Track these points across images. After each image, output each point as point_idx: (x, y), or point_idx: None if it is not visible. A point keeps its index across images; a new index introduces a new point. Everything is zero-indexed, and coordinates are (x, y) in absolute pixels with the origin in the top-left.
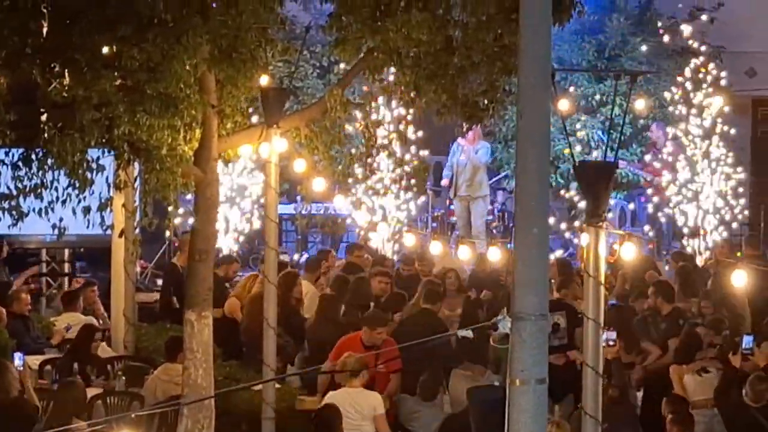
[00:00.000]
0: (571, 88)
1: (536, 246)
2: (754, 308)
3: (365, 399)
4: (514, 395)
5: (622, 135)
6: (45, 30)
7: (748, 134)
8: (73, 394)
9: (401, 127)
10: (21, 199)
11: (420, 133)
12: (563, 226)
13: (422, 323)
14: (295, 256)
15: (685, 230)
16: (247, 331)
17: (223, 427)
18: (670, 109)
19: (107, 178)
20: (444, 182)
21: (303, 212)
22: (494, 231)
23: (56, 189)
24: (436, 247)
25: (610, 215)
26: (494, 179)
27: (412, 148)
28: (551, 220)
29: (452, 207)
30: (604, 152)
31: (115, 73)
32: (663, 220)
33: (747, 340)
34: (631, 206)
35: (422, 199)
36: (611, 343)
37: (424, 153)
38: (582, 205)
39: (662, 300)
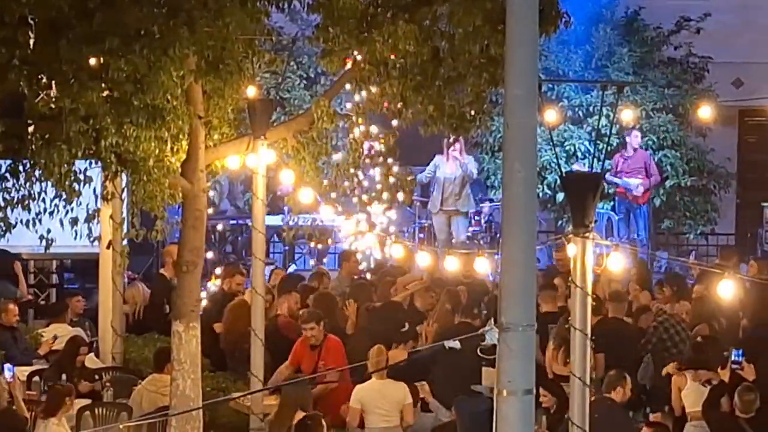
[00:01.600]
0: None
1: (523, 257)
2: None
3: (394, 390)
4: (501, 406)
5: (608, 145)
6: (32, 42)
7: (735, 144)
8: None
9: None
10: (8, 210)
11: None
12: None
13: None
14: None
15: None
16: (226, 341)
17: None
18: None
19: (94, 190)
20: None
21: (290, 223)
22: (481, 242)
23: (43, 200)
24: (423, 258)
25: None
26: (484, 197)
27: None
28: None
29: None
30: (591, 162)
31: (102, 85)
32: None
33: (736, 354)
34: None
35: (409, 210)
36: None
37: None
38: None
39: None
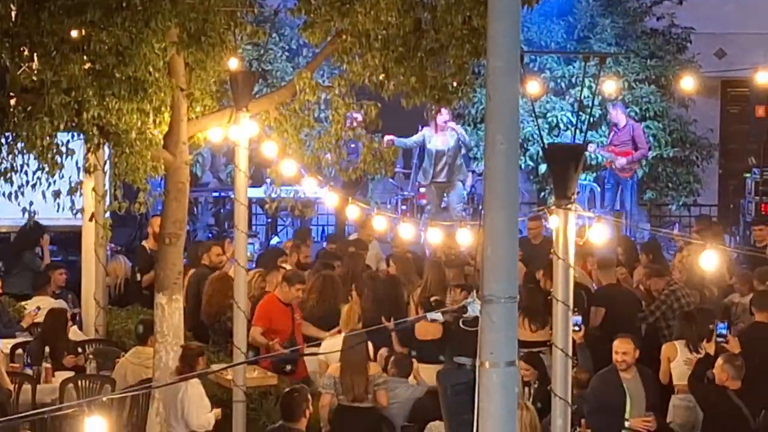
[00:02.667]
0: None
1: (505, 228)
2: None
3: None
4: (483, 378)
5: (591, 117)
6: (14, 14)
7: (718, 115)
8: None
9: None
10: None
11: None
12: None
13: None
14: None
15: None
16: (207, 314)
17: None
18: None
19: (77, 162)
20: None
21: (273, 196)
22: (464, 213)
23: (26, 173)
24: (406, 230)
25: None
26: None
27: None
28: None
29: (422, 190)
30: (573, 134)
31: (84, 57)
32: None
33: (721, 327)
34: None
35: (391, 181)
36: (576, 328)
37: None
38: None
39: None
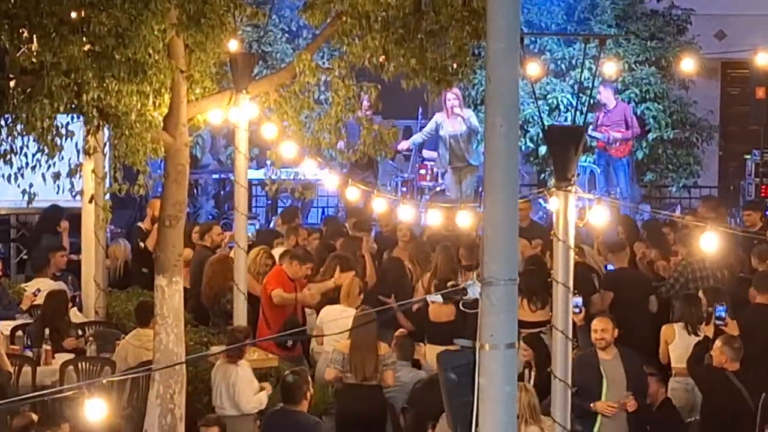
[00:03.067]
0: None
1: (505, 210)
2: None
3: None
4: (483, 360)
5: (591, 99)
6: None
7: (718, 96)
8: None
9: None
10: None
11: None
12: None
13: None
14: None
15: None
16: (207, 296)
17: (194, 392)
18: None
19: (76, 144)
20: (404, 145)
21: (273, 177)
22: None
23: (25, 155)
24: (405, 212)
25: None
26: None
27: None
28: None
29: (423, 172)
30: (573, 116)
31: (84, 39)
32: None
33: (720, 310)
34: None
35: (391, 163)
36: (576, 310)
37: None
38: None
39: None
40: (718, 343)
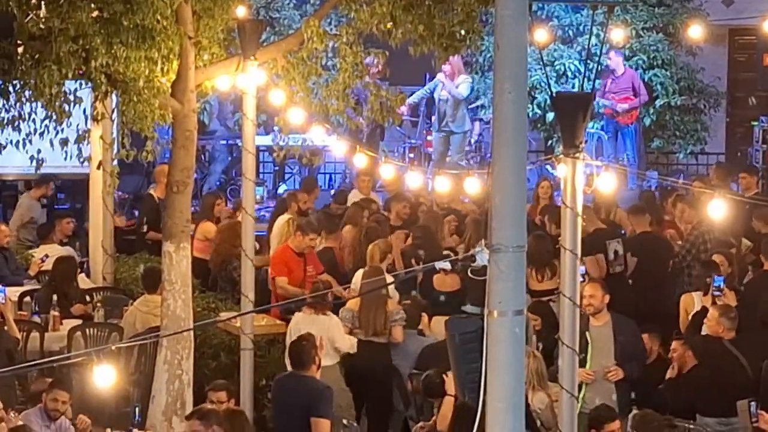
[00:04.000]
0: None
1: (513, 177)
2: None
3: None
4: (491, 327)
5: (599, 65)
6: None
7: (725, 63)
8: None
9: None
10: None
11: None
12: None
13: None
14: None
15: None
16: (215, 262)
17: (202, 357)
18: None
19: (84, 110)
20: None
21: (280, 144)
22: (471, 162)
23: (34, 121)
24: (413, 179)
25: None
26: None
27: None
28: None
29: (429, 138)
30: (581, 82)
31: (92, 5)
32: None
33: (717, 281)
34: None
35: (398, 129)
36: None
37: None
38: None
39: None
40: (714, 313)
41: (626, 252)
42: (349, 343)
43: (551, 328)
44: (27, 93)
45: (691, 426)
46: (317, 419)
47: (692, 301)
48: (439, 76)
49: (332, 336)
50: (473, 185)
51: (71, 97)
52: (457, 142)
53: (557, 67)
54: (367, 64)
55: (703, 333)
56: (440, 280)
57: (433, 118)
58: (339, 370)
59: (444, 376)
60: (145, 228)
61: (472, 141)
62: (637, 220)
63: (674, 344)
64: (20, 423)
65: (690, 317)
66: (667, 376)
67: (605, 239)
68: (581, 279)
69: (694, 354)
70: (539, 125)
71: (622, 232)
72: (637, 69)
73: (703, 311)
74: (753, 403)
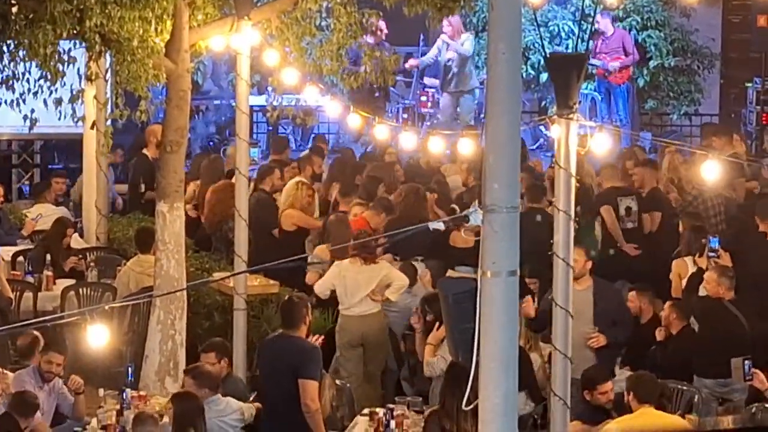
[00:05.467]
0: None
1: (507, 137)
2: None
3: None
4: (485, 287)
5: (592, 26)
6: None
7: (719, 24)
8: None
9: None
10: None
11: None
12: None
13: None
14: None
15: None
16: (209, 222)
17: (195, 317)
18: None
19: (78, 70)
20: (413, 62)
21: (274, 104)
22: (473, 122)
23: (28, 81)
24: (407, 139)
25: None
26: None
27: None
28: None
29: (423, 99)
30: (575, 43)
31: None
32: None
33: (713, 242)
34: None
35: (393, 90)
36: None
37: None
38: None
39: None
40: (712, 274)
41: (642, 211)
42: (404, 281)
43: (546, 288)
44: (21, 53)
45: (685, 387)
46: (305, 380)
47: (685, 266)
48: (442, 37)
49: (387, 278)
50: (466, 146)
51: (65, 57)
52: (468, 102)
53: (551, 28)
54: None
55: (700, 294)
56: (456, 236)
57: (431, 80)
58: (385, 316)
59: None
60: (141, 188)
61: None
62: (649, 174)
63: (665, 307)
64: (12, 384)
65: (686, 280)
66: (657, 338)
67: (617, 196)
68: None
69: (694, 316)
70: (533, 86)
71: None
72: (630, 30)
73: (699, 273)
74: (747, 361)
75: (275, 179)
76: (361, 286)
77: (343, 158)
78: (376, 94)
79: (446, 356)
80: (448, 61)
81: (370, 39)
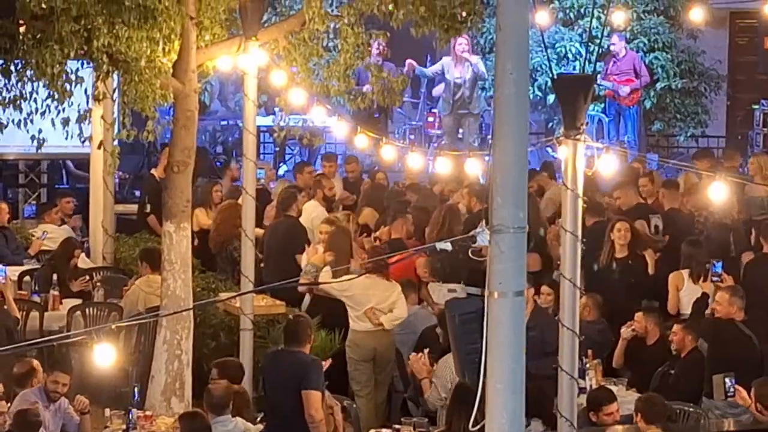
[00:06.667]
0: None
1: (514, 158)
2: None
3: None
4: (492, 307)
5: (600, 48)
6: None
7: (726, 46)
8: None
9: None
10: (0, 110)
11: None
12: None
13: None
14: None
15: None
16: (215, 242)
17: (201, 337)
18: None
19: (86, 90)
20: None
21: (281, 124)
22: (475, 145)
23: (35, 100)
24: (414, 160)
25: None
26: None
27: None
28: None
29: (431, 119)
30: (583, 64)
31: None
32: None
33: (716, 266)
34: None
35: (399, 111)
36: None
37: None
38: None
39: None
40: (724, 295)
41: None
42: (404, 313)
43: None
44: (29, 72)
45: (691, 409)
46: (308, 391)
47: (682, 279)
48: (446, 59)
49: (394, 304)
50: (474, 166)
51: (73, 77)
52: (474, 123)
53: (558, 50)
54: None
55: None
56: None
57: (440, 99)
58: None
59: None
60: (147, 208)
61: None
62: (669, 195)
63: (675, 327)
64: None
65: (691, 304)
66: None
67: (648, 212)
68: None
69: (704, 337)
70: (540, 107)
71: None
72: (638, 52)
73: (704, 298)
74: (728, 378)
75: (300, 204)
76: (370, 299)
77: (379, 186)
78: (376, 115)
79: (439, 381)
80: (459, 79)
81: (375, 57)
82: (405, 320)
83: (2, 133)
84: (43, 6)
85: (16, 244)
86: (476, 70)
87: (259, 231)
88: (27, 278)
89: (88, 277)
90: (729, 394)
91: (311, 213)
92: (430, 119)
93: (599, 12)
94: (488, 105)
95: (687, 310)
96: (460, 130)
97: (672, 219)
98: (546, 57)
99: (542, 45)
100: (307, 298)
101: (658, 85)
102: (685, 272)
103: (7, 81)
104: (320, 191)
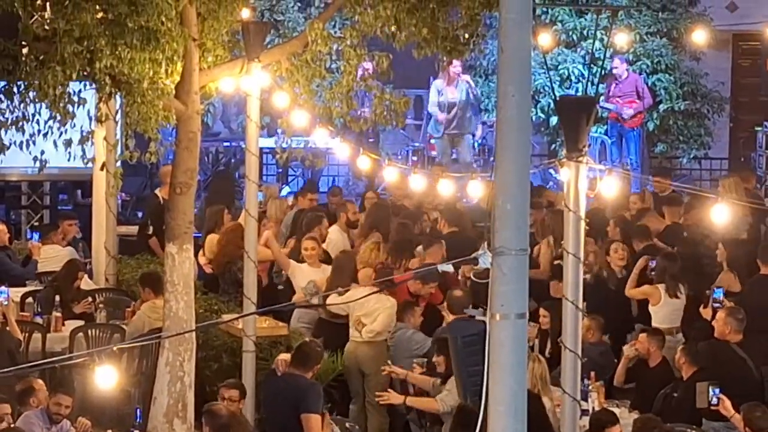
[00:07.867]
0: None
1: (517, 180)
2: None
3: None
4: (493, 329)
5: (602, 70)
6: None
7: (729, 68)
8: None
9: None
10: (2, 131)
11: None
12: None
13: None
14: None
15: None
16: (218, 264)
17: (204, 359)
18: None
19: (89, 111)
20: (442, 117)
21: (284, 146)
22: (474, 165)
23: (38, 122)
24: (416, 181)
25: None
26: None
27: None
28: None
29: (433, 141)
30: (585, 87)
31: (97, 6)
32: None
33: (717, 292)
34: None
35: (402, 133)
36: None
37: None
38: None
39: None
40: (721, 315)
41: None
42: (384, 327)
43: (559, 330)
44: (31, 94)
45: (692, 431)
46: (307, 415)
47: (658, 294)
48: (438, 82)
49: (378, 315)
50: (476, 188)
51: (75, 98)
52: (468, 143)
53: (561, 72)
54: (360, 67)
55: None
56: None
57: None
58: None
59: None
60: (150, 230)
61: (476, 145)
62: (670, 211)
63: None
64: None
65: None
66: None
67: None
68: None
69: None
70: (542, 129)
71: None
72: (640, 73)
73: (705, 323)
74: (712, 387)
75: (323, 229)
76: (360, 309)
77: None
78: (371, 139)
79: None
80: (453, 99)
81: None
82: (396, 339)
83: (5, 154)
84: (46, 27)
85: (17, 266)
86: (472, 91)
87: (266, 251)
88: (29, 300)
89: (90, 299)
90: (712, 403)
91: (331, 239)
92: (433, 141)
93: (602, 34)
94: (481, 125)
95: (662, 324)
96: (454, 150)
97: (672, 234)
98: (549, 79)
99: (545, 67)
100: (296, 313)
101: (661, 107)
102: (661, 287)
103: (9, 102)
104: (344, 215)
